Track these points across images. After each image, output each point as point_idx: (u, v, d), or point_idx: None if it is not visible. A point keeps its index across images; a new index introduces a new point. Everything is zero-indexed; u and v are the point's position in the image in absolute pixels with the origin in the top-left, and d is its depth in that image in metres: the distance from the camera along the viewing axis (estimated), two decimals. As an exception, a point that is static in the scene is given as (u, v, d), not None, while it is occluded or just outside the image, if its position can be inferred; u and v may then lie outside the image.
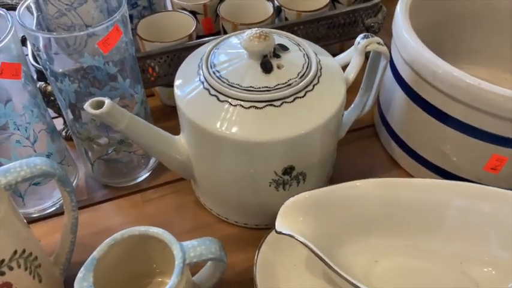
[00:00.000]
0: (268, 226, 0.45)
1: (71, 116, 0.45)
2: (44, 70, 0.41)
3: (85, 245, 0.44)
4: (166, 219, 0.47)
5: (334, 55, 0.43)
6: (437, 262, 0.39)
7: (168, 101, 0.58)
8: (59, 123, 0.54)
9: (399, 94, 0.46)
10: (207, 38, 0.52)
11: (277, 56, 0.39)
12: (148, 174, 0.50)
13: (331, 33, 0.58)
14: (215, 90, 0.37)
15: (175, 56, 0.52)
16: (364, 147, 0.54)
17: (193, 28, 0.53)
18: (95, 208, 0.48)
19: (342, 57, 0.43)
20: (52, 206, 0.47)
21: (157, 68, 0.52)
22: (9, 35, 0.35)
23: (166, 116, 0.58)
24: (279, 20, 0.58)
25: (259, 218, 0.44)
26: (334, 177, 0.48)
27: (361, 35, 0.41)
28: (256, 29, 0.38)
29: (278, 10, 0.57)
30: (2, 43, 0.34)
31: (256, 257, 0.40)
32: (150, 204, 0.48)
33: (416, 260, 0.39)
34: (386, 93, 0.50)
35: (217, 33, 0.62)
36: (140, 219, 0.47)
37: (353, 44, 0.42)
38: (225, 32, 0.56)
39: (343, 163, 0.50)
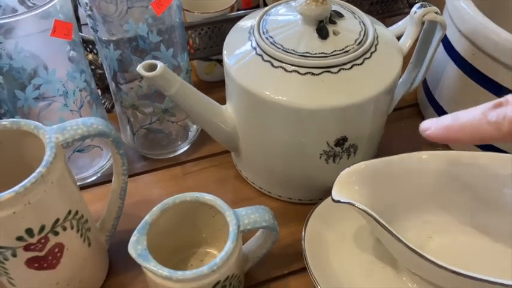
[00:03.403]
0: (312, 201, 0.44)
1: (114, 85, 0.44)
2: (94, 33, 0.40)
3: (126, 215, 0.43)
4: (207, 192, 0.45)
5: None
6: (493, 239, 0.37)
7: (205, 76, 0.57)
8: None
9: (452, 69, 0.44)
10: (248, 10, 0.51)
11: (333, 22, 0.37)
12: (187, 147, 0.50)
13: (373, 9, 0.57)
14: (269, 56, 0.36)
15: (216, 27, 0.51)
16: (408, 127, 0.52)
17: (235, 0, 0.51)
18: (134, 179, 0.47)
19: (395, 27, 0.42)
20: (93, 175, 0.46)
21: (198, 40, 0.51)
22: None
23: (203, 91, 0.57)
24: (320, -6, 0.57)
25: (304, 192, 0.43)
26: (379, 156, 0.47)
27: (418, 4, 0.40)
28: (313, -7, 0.36)
29: (320, -16, 0.55)
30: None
31: (304, 230, 0.39)
32: (190, 177, 0.47)
33: (473, 238, 0.37)
34: (435, 69, 0.48)
35: (256, 8, 0.61)
36: (180, 191, 0.45)
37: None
38: (266, 6, 0.54)
39: (387, 142, 0.49)
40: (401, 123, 0.52)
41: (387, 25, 0.43)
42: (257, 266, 0.38)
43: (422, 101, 0.52)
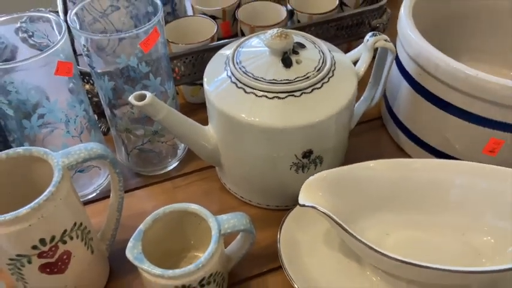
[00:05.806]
0: (288, 207, 0.49)
1: (109, 112, 0.50)
2: (90, 69, 0.46)
3: (123, 226, 0.49)
4: (195, 203, 0.51)
5: (343, 53, 0.48)
6: (442, 234, 0.43)
7: (191, 99, 0.63)
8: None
9: (404, 87, 0.51)
10: (226, 40, 0.57)
11: (296, 53, 0.43)
12: (177, 163, 0.55)
13: (339, 33, 0.63)
14: (242, 83, 0.42)
15: (199, 56, 0.57)
16: (373, 138, 0.58)
17: (215, 31, 0.58)
18: (130, 194, 0.53)
19: (352, 53, 0.48)
20: (93, 192, 0.52)
21: (183, 68, 0.57)
22: (63, 38, 0.40)
23: (190, 112, 0.62)
24: (291, 22, 0.63)
25: (280, 199, 0.49)
26: (346, 165, 0.52)
27: (370, 33, 0.46)
28: (277, 29, 0.43)
29: (291, 13, 0.62)
30: (58, 44, 0.39)
31: (279, 233, 0.44)
32: (179, 190, 0.53)
33: (424, 233, 0.43)
34: (392, 87, 0.54)
35: (234, 36, 0.67)
36: (171, 203, 0.51)
37: (360, 44, 0.47)
38: (243, 34, 0.61)
39: (354, 153, 0.54)
40: (368, 135, 0.59)
41: (353, 47, 0.48)
42: (239, 265, 0.44)
43: (384, 115, 0.59)
